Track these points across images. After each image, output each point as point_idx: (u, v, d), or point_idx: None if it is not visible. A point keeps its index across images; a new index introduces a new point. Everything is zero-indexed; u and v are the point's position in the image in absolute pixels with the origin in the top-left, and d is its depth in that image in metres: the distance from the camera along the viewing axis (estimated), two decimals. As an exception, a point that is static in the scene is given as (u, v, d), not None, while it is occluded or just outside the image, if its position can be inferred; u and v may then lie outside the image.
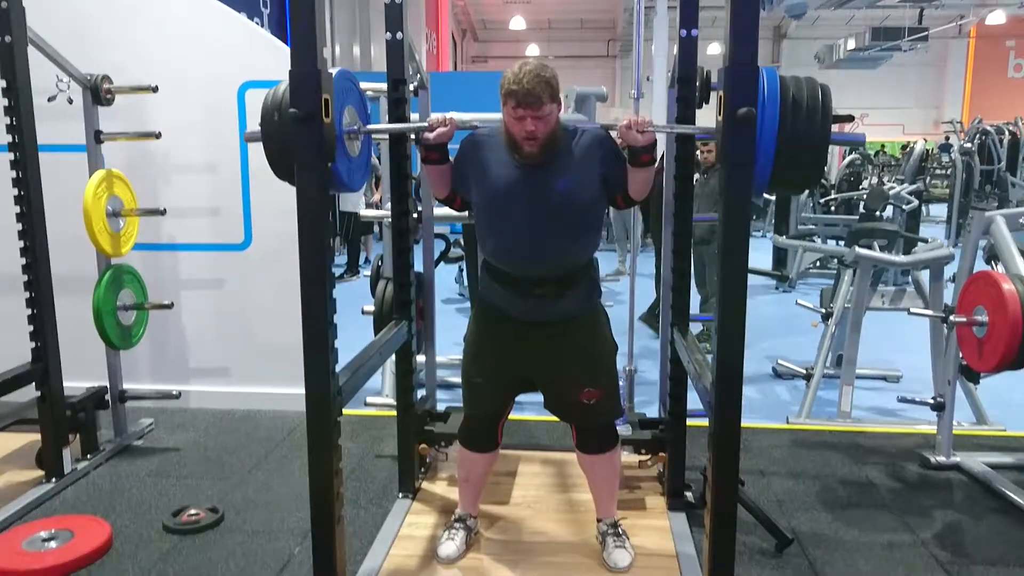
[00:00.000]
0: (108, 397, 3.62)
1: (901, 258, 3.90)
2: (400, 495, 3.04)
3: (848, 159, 11.56)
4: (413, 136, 2.59)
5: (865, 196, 7.11)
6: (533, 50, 23.41)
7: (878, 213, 6.70)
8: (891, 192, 7.25)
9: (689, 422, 3.61)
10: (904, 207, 6.95)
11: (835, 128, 2.31)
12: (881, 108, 24.01)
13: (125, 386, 3.76)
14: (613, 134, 2.33)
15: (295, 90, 1.86)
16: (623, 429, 3.25)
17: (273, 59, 3.97)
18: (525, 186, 2.30)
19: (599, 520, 2.66)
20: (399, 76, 2.78)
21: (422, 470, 3.20)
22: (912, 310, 3.45)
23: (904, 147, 16.54)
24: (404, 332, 2.89)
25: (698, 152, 5.77)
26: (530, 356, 2.46)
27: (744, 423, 3.92)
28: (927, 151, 19.90)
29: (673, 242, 2.86)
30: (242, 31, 3.99)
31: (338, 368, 2.12)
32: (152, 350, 4.22)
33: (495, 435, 2.61)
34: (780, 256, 5.91)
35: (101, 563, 2.67)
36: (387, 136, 2.92)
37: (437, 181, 2.49)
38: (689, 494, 2.99)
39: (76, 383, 3.61)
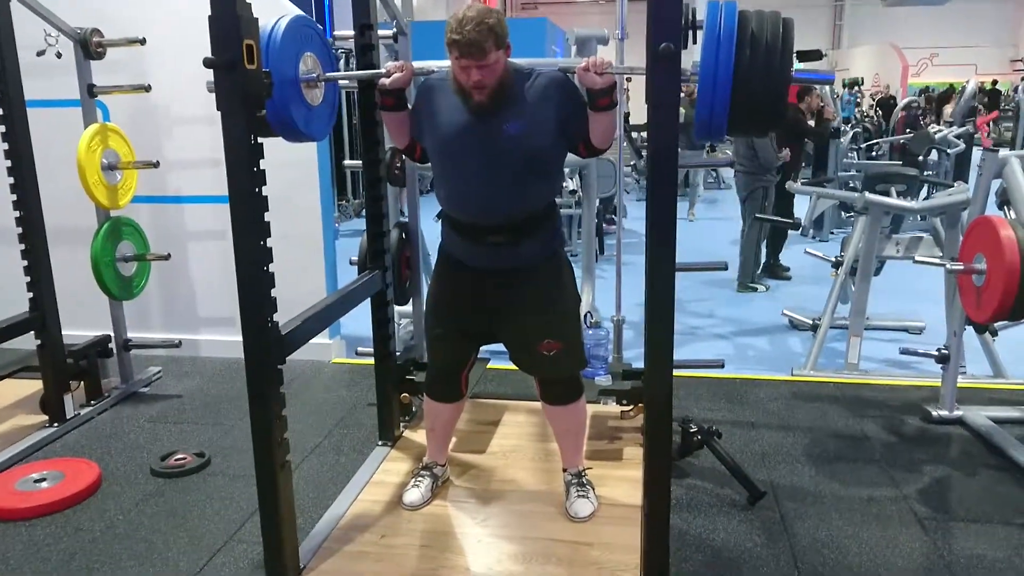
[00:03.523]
0: (112, 346, 3.74)
1: (911, 204, 3.71)
2: (379, 443, 3.08)
3: (905, 101, 11.01)
4: None
5: (908, 140, 6.79)
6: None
7: (921, 158, 6.39)
8: (937, 135, 6.89)
9: (677, 373, 3.58)
10: (949, 151, 6.60)
11: (801, 65, 2.20)
12: (951, 47, 22.75)
13: (131, 335, 3.88)
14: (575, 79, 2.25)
15: (213, 36, 1.84)
16: (604, 380, 3.22)
17: (272, 8, 3.94)
18: (476, 131, 2.24)
19: (564, 470, 2.65)
20: (365, 21, 2.73)
21: (405, 418, 3.22)
22: (917, 258, 3.30)
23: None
24: (377, 281, 2.89)
25: None
26: (489, 306, 2.43)
27: (746, 374, 3.92)
28: (1000, 92, 18.86)
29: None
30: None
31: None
32: (163, 300, 4.34)
33: (458, 385, 2.61)
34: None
35: (87, 503, 2.79)
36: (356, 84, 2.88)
37: (395, 130, 2.45)
38: (668, 445, 2.94)
39: (87, 331, 3.76)
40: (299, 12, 2.43)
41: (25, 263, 3.23)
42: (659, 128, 1.74)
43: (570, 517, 2.52)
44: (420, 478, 2.68)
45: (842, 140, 7.47)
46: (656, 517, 2.02)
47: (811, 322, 4.11)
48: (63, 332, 3.46)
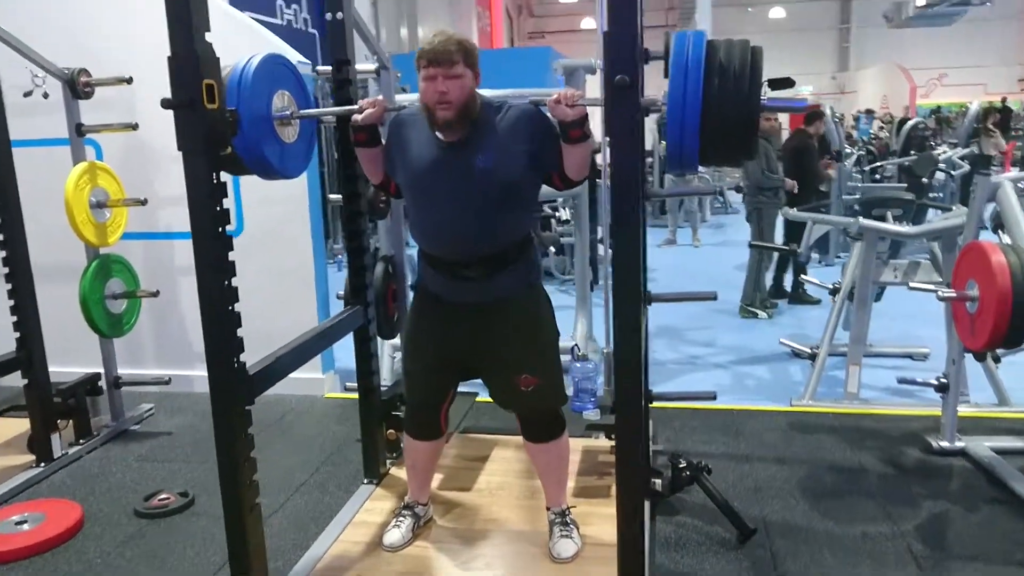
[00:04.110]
0: (103, 383, 3.72)
1: (907, 229, 3.64)
2: (365, 480, 3.03)
3: (911, 122, 10.94)
4: None
5: (912, 162, 6.72)
6: (590, 23, 22.98)
7: (925, 180, 6.32)
8: (942, 156, 6.81)
9: (670, 405, 3.52)
10: (953, 173, 6.52)
11: (771, 93, 2.17)
12: (960, 67, 22.69)
13: (123, 371, 3.87)
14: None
15: (172, 76, 1.83)
16: (592, 414, 3.16)
17: (255, 44, 3.98)
18: (445, 164, 2.22)
19: (548, 509, 2.58)
20: (341, 56, 2.73)
21: (392, 455, 3.17)
22: (911, 284, 3.23)
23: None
24: (359, 316, 2.86)
25: (765, 120, 5.60)
26: (465, 341, 2.39)
27: (743, 405, 3.85)
28: (1011, 110, 18.72)
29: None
30: (222, 17, 3.99)
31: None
32: (156, 336, 4.33)
33: (438, 423, 2.56)
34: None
35: (67, 545, 2.76)
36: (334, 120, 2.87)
37: (368, 166, 2.44)
38: (658, 482, 2.87)
39: (79, 368, 3.75)
40: (275, 50, 2.43)
41: (11, 302, 3.22)
42: (619, 161, 1.70)
43: (553, 558, 2.46)
44: (401, 518, 2.62)
45: (846, 163, 7.42)
46: (628, 561, 1.95)
47: (810, 350, 4.03)
48: (55, 369, 3.46)
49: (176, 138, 1.88)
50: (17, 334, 3.25)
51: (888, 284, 3.96)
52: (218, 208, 1.94)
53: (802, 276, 4.50)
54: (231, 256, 2.02)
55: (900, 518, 2.75)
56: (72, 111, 3.50)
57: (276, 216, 4.11)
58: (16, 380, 3.38)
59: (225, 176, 3.88)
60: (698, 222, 9.56)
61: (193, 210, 1.92)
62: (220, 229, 1.95)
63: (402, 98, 2.49)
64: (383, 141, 2.41)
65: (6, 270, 3.20)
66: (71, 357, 3.90)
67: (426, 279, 2.42)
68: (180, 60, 1.82)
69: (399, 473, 3.10)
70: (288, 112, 2.40)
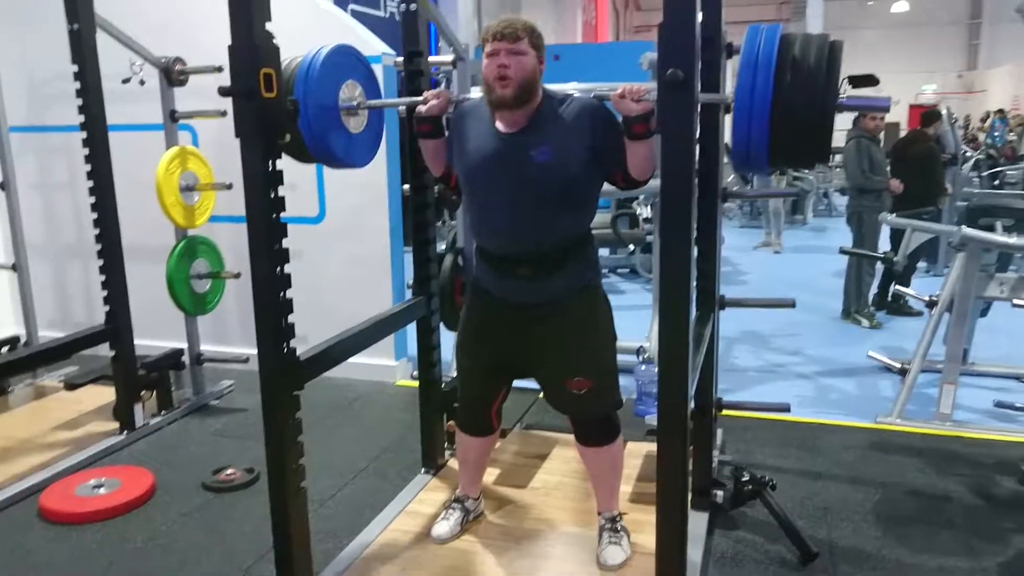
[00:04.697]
0: (186, 359, 3.89)
1: (1014, 240, 3.36)
2: (422, 470, 3.04)
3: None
4: None
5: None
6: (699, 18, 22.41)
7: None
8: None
9: (741, 414, 3.38)
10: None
11: (851, 91, 2.04)
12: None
13: (208, 348, 4.03)
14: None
15: (232, 65, 1.87)
16: (654, 418, 3.06)
17: (341, 32, 4.05)
18: (503, 156, 2.18)
19: (599, 514, 2.52)
20: (413, 48, 2.73)
21: (451, 446, 3.17)
22: (1015, 302, 2.98)
23: None
24: (422, 307, 2.87)
25: (870, 119, 5.37)
26: (517, 342, 2.35)
27: (822, 419, 3.65)
28: None
29: (698, 225, 2.62)
30: (309, 7, 4.09)
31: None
32: (240, 316, 4.48)
33: (489, 420, 2.53)
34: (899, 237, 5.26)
35: (137, 512, 2.89)
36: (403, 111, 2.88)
37: (431, 157, 2.43)
38: (720, 493, 2.76)
39: (166, 343, 3.94)
40: (342, 43, 2.44)
41: (102, 278, 3.40)
42: (671, 161, 1.62)
43: (600, 564, 2.40)
44: (451, 511, 2.62)
45: (962, 168, 6.95)
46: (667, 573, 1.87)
47: (900, 365, 3.78)
48: (142, 343, 3.65)
49: (234, 126, 1.91)
50: (106, 308, 3.42)
51: (993, 299, 3.67)
52: (272, 195, 1.96)
53: (897, 286, 4.22)
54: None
55: (984, 553, 2.54)
56: (167, 98, 3.65)
57: (356, 204, 4.18)
58: (106, 351, 3.57)
59: (308, 165, 3.99)
60: (781, 225, 9.07)
61: (248, 196, 1.95)
62: (274, 216, 1.98)
63: (473, 94, 2.45)
64: (447, 134, 2.39)
65: (99, 247, 3.37)
66: (158, 332, 4.10)
67: (480, 275, 2.39)
68: (239, 50, 1.85)
69: (456, 465, 3.10)
70: (355, 103, 2.42)
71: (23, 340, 4.14)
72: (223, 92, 1.87)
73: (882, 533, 2.68)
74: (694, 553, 2.46)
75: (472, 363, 2.45)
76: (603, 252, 7.14)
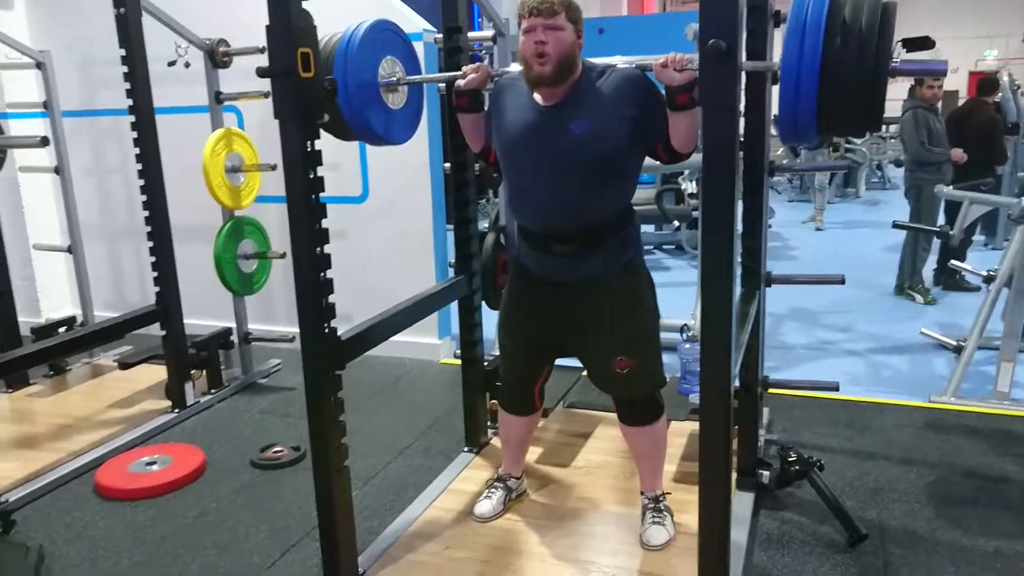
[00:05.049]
0: (235, 338, 3.96)
1: (1079, 212, 3.21)
2: (465, 449, 3.05)
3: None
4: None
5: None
6: (747, -15, 21.87)
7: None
8: None
9: (790, 392, 3.31)
10: None
11: (906, 55, 1.95)
12: None
13: (255, 327, 4.10)
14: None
15: (269, 46, 1.87)
16: (695, 397, 3.02)
17: (378, 9, 4.03)
18: (541, 129, 2.15)
19: (642, 493, 2.50)
20: (453, 24, 2.70)
21: (494, 425, 3.17)
22: (1078, 277, 2.85)
23: None
24: (463, 286, 2.87)
25: (927, 88, 5.20)
26: (559, 321, 2.33)
27: (873, 398, 3.56)
28: None
29: (744, 200, 2.56)
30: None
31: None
32: (288, 295, 4.51)
33: (532, 399, 2.52)
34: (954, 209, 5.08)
35: (188, 489, 2.96)
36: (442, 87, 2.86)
37: (470, 132, 2.41)
38: (766, 473, 2.71)
39: (215, 322, 4.02)
40: (381, 18, 2.43)
41: (152, 259, 3.47)
42: (713, 135, 1.57)
43: (643, 544, 2.38)
44: (493, 490, 2.62)
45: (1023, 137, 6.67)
46: (710, 556, 1.85)
47: (956, 343, 3.66)
48: (192, 322, 3.72)
49: (272, 106, 1.91)
50: (156, 289, 3.49)
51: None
52: (312, 175, 1.96)
53: (952, 261, 4.08)
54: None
55: (1043, 537, 2.46)
56: (212, 80, 3.69)
57: (399, 183, 4.18)
58: (158, 331, 3.65)
59: (351, 144, 4.00)
60: (824, 201, 8.74)
61: (288, 177, 1.96)
62: (313, 196, 1.98)
63: (512, 68, 2.42)
64: (486, 108, 2.37)
65: (148, 229, 3.43)
66: (208, 312, 4.19)
67: (520, 253, 2.37)
68: (276, 30, 1.85)
69: (499, 444, 3.10)
70: (395, 79, 2.41)
71: (79, 320, 4.25)
72: (261, 73, 1.87)
73: (935, 515, 2.61)
74: (739, 534, 2.43)
75: (514, 342, 2.44)
76: (648, 228, 7.06)
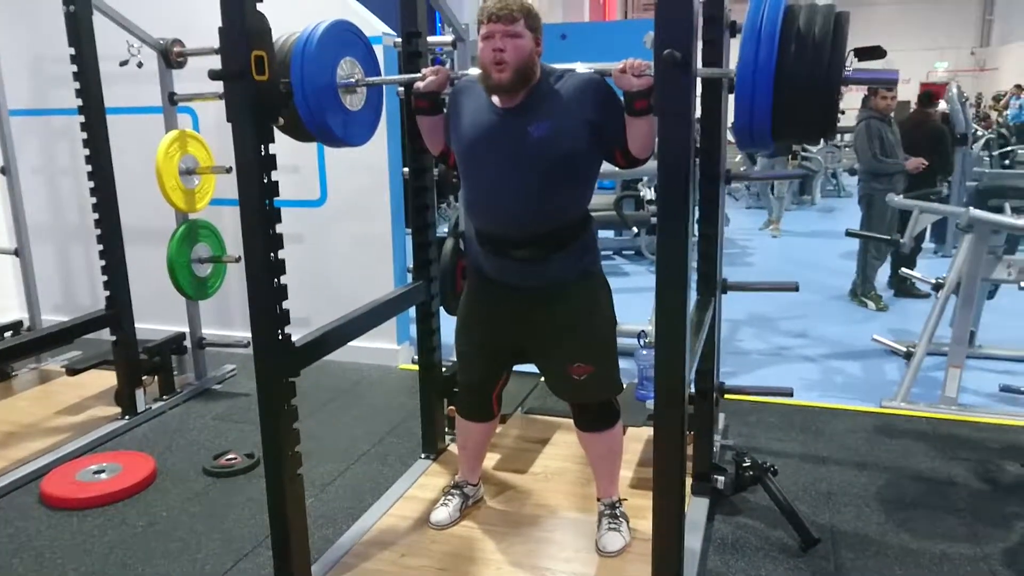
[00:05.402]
0: (188, 343, 3.88)
1: (1020, 222, 3.30)
2: (422, 455, 3.03)
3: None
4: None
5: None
6: (707, -6, 22.15)
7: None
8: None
9: (745, 398, 3.35)
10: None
11: (858, 64, 1.98)
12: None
13: (211, 332, 4.03)
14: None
15: (222, 48, 1.84)
16: (652, 403, 3.04)
17: (340, 11, 4.00)
18: (499, 131, 2.14)
19: (598, 500, 2.51)
20: (412, 29, 2.69)
21: (452, 431, 3.15)
22: (1023, 284, 2.93)
23: None
24: (421, 292, 2.85)
25: (881, 99, 5.31)
26: (516, 326, 2.33)
27: (827, 403, 3.62)
28: None
29: (700, 207, 2.58)
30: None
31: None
32: (244, 300, 4.43)
33: (488, 404, 2.51)
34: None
35: (138, 497, 2.89)
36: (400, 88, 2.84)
37: (428, 134, 2.40)
38: (721, 479, 2.73)
39: (169, 327, 3.94)
40: (340, 19, 2.41)
41: (103, 263, 3.39)
42: (668, 142, 1.58)
43: (599, 550, 2.39)
44: (450, 497, 2.61)
45: (972, 147, 6.86)
46: (664, 562, 1.86)
47: (905, 349, 3.75)
48: (144, 327, 3.64)
49: (225, 109, 1.88)
50: (107, 293, 3.41)
51: (1001, 282, 3.63)
52: (265, 179, 1.94)
53: (903, 269, 4.18)
54: (278, 227, 2.02)
55: (987, 539, 2.52)
56: (165, 80, 3.62)
57: (358, 187, 4.15)
58: (108, 335, 3.57)
59: (310, 146, 3.94)
60: (781, 209, 8.76)
61: (241, 181, 1.93)
62: (267, 201, 1.95)
63: (472, 72, 2.41)
64: (445, 111, 2.36)
65: (98, 232, 3.36)
66: (161, 316, 4.11)
67: (477, 257, 2.36)
68: (230, 32, 1.82)
69: (456, 450, 3.08)
70: (353, 80, 2.39)
71: (26, 325, 4.14)
72: (213, 75, 1.84)
73: (885, 518, 2.66)
74: (693, 539, 2.45)
75: (472, 348, 2.43)
76: (608, 234, 7.09)
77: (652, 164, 2.25)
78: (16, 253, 4.06)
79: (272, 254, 1.99)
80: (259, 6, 1.85)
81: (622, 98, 2.04)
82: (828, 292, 5.82)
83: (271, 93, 1.92)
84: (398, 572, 2.32)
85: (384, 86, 2.62)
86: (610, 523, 2.43)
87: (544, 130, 2.09)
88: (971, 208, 3.43)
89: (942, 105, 6.77)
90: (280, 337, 2.04)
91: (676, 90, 1.55)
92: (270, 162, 1.94)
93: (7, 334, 3.93)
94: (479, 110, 2.19)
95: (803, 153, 10.11)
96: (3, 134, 3.89)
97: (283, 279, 2.04)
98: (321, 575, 2.29)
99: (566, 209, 2.20)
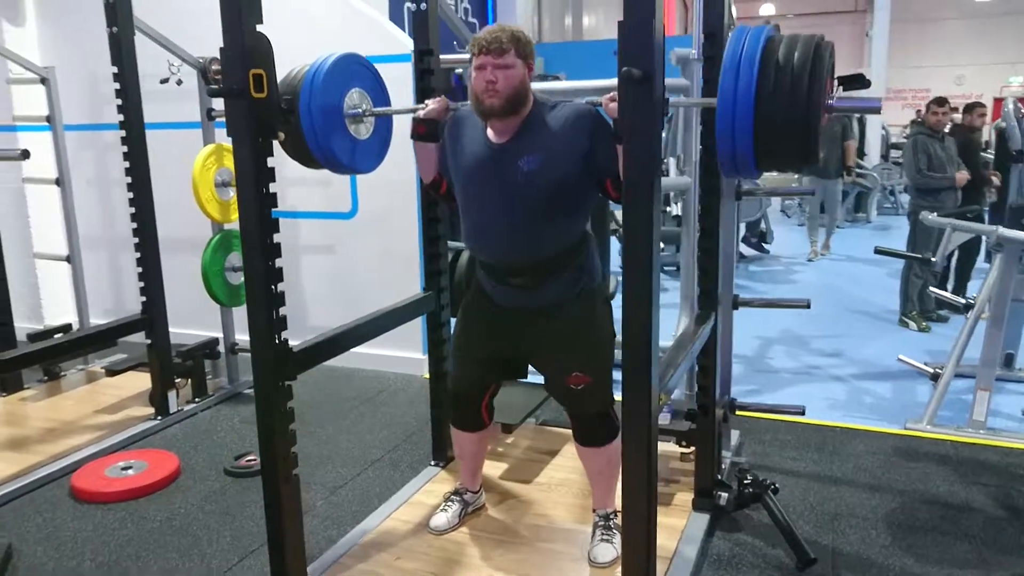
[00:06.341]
0: (221, 348, 4.04)
1: (1052, 242, 3.19)
2: (432, 463, 3.09)
3: None
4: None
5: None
6: (768, 9, 21.84)
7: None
8: None
9: (760, 416, 3.32)
10: None
11: (844, 94, 2.00)
12: None
13: (241, 338, 4.18)
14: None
15: (223, 65, 1.95)
16: (663, 417, 3.04)
17: (378, 35, 4.15)
18: (493, 165, 2.21)
19: (593, 511, 2.52)
20: (424, 47, 2.78)
21: (464, 440, 3.21)
22: (1048, 306, 2.84)
23: None
24: (431, 302, 2.92)
25: (931, 114, 5.23)
26: (512, 340, 2.38)
27: (849, 423, 3.55)
28: None
29: (700, 222, 2.59)
30: (347, 9, 4.19)
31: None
32: (279, 308, 4.62)
33: (479, 415, 2.55)
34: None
35: (160, 494, 3.03)
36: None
37: (423, 161, 2.45)
38: (724, 495, 2.72)
39: (201, 333, 4.12)
40: (349, 52, 2.50)
41: (139, 270, 3.57)
42: (632, 160, 1.62)
43: (590, 561, 2.41)
44: (450, 503, 2.66)
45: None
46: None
47: (932, 371, 3.65)
48: (180, 331, 3.80)
49: (226, 125, 1.99)
50: (143, 298, 3.59)
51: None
52: (264, 191, 2.03)
53: (931, 289, 4.07)
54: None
55: (997, 567, 2.45)
56: (204, 97, 3.80)
57: (387, 200, 4.26)
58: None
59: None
60: (816, 231, 8.12)
61: (240, 192, 2.03)
62: (266, 211, 2.04)
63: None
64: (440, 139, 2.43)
65: (136, 240, 3.54)
66: (197, 322, 4.28)
67: (478, 276, 2.42)
68: (229, 51, 1.93)
69: (465, 458, 3.14)
70: (360, 110, 2.48)
71: (75, 327, 4.36)
72: (212, 93, 1.95)
73: (891, 541, 2.60)
74: (689, 552, 2.45)
75: (463, 357, 2.49)
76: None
77: (677, 179, 2.29)
78: (68, 260, 4.29)
79: (270, 262, 2.07)
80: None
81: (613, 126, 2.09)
82: (872, 311, 5.70)
83: (270, 110, 2.02)
84: (391, 574, 2.37)
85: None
86: (603, 534, 2.45)
87: (535, 164, 2.15)
88: (999, 227, 3.34)
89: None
90: (277, 341, 2.12)
91: (636, 107, 1.58)
92: (268, 175, 2.04)
93: (57, 336, 4.15)
94: (474, 142, 2.26)
95: (858, 170, 9.89)
96: (58, 148, 4.13)
97: (280, 287, 2.12)
98: (318, 573, 2.36)
99: (560, 238, 2.25)
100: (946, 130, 5.52)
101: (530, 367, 2.50)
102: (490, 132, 2.22)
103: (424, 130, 2.39)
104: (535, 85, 2.24)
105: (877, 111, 2.00)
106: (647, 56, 1.56)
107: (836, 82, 1.98)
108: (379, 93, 2.59)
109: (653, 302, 1.71)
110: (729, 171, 1.98)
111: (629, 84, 1.56)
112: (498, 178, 2.20)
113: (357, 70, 2.52)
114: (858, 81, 1.96)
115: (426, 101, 2.40)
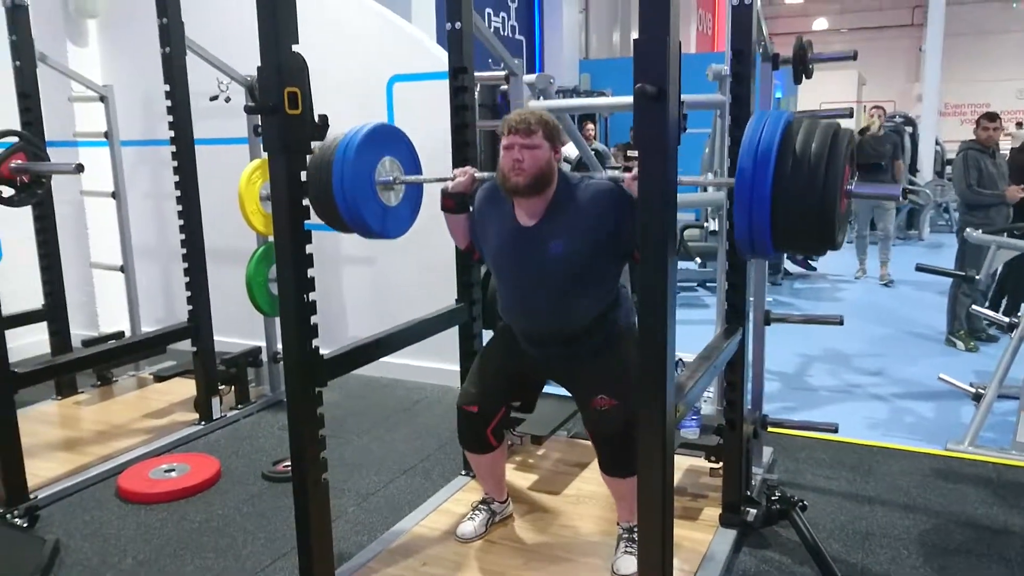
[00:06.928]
0: (264, 357, 4.16)
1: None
2: (463, 472, 3.14)
3: None
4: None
5: None
6: (821, 24, 21.58)
7: None
8: None
9: (794, 433, 3.29)
10: None
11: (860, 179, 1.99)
12: None
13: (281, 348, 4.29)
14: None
15: (260, 82, 2.04)
16: (691, 432, 3.04)
17: (419, 53, 4.25)
18: (522, 249, 2.31)
19: (618, 523, 2.54)
20: (459, 65, 2.85)
21: (494, 451, 3.25)
22: (1091, 326, 2.77)
23: None
24: (463, 313, 2.98)
25: (982, 130, 5.17)
26: (542, 367, 2.50)
27: (887, 443, 3.50)
28: None
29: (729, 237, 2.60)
30: (390, 28, 4.30)
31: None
32: (321, 318, 4.73)
33: (484, 438, 2.55)
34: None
35: (200, 496, 3.13)
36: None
37: (455, 231, 2.56)
38: (752, 511, 2.71)
39: (245, 341, 4.24)
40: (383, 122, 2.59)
41: (186, 279, 3.70)
42: (646, 176, 1.65)
43: (613, 572, 2.42)
44: (477, 511, 2.70)
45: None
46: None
47: (974, 391, 3.57)
48: (224, 340, 3.93)
49: (264, 140, 2.07)
50: (189, 307, 3.72)
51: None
52: (296, 204, 2.11)
53: (974, 307, 3.98)
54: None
55: (1032, 591, 2.39)
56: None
57: (427, 214, 4.30)
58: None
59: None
60: (865, 250, 7.84)
61: (275, 205, 2.11)
62: (298, 223, 2.13)
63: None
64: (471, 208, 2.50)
65: (183, 251, 3.68)
66: (242, 331, 4.41)
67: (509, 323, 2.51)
68: (266, 70, 2.01)
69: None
70: (391, 178, 2.55)
71: (128, 335, 4.54)
72: (248, 109, 2.04)
73: (922, 562, 2.56)
74: (712, 568, 2.46)
75: (486, 371, 2.55)
76: (690, 265, 7.01)
77: (712, 195, 2.30)
78: (122, 269, 4.47)
79: (303, 272, 2.15)
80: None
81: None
82: (918, 331, 5.59)
83: (303, 127, 2.10)
84: (416, 580, 2.43)
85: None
86: (627, 546, 2.46)
87: (562, 247, 2.24)
88: (1044, 244, 3.27)
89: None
90: (309, 349, 2.20)
91: (651, 123, 1.61)
92: (301, 188, 2.12)
93: (109, 342, 4.32)
94: (504, 223, 2.35)
95: (910, 187, 9.70)
96: (115, 163, 4.32)
97: (311, 296, 2.20)
98: (343, 577, 2.42)
99: (589, 312, 2.34)
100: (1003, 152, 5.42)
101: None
102: (518, 212, 2.31)
103: (452, 204, 2.48)
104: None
105: (896, 198, 2.00)
106: (661, 72, 1.59)
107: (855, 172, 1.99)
108: (409, 159, 2.64)
109: (669, 312, 1.73)
110: (746, 252, 2.00)
111: (643, 100, 1.59)
112: (528, 259, 2.30)
113: (389, 138, 2.58)
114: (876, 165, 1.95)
115: (453, 172, 2.49)
